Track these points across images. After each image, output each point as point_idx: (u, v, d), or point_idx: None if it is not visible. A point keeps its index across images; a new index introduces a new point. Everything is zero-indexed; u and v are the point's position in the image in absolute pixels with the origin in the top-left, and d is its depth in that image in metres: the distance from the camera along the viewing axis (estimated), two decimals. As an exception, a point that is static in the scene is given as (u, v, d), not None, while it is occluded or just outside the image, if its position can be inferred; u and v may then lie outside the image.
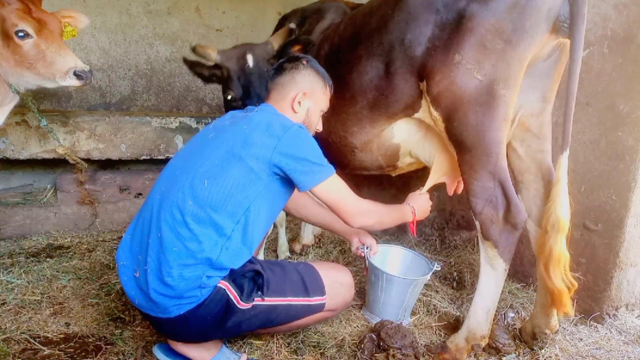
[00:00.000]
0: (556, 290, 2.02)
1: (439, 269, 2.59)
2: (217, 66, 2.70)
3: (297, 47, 2.77)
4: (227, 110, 2.82)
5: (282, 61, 2.25)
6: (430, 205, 2.44)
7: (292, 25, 2.86)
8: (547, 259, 2.03)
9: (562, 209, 1.97)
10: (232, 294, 1.90)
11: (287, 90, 2.13)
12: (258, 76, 2.63)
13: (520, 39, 1.93)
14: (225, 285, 1.90)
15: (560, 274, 2.01)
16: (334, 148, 2.64)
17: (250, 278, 1.97)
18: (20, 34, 2.39)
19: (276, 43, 2.78)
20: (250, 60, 2.65)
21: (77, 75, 2.49)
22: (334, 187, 2.01)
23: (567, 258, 2.01)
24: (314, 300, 2.07)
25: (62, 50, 2.49)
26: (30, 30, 2.41)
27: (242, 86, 2.65)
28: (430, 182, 2.46)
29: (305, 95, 2.13)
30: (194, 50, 2.68)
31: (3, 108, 2.60)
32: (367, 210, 2.11)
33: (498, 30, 1.94)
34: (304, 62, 2.17)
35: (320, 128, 2.31)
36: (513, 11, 1.91)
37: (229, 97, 2.69)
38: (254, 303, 1.94)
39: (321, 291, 2.09)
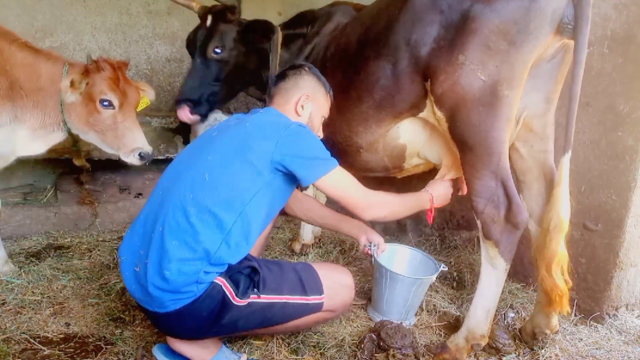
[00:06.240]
0: (558, 291, 2.03)
1: (446, 269, 2.60)
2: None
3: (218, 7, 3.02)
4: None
5: (284, 69, 2.33)
6: (451, 192, 2.42)
7: None
8: (550, 260, 2.03)
9: (564, 210, 1.98)
10: (228, 289, 1.91)
11: (291, 94, 2.19)
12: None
13: (524, 41, 1.93)
14: (221, 281, 1.91)
15: (561, 274, 2.03)
16: (340, 148, 2.64)
17: (247, 275, 1.98)
18: (105, 102, 2.43)
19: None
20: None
21: (141, 156, 2.53)
22: (338, 180, 2.02)
23: (567, 258, 2.03)
24: (312, 300, 2.06)
25: (134, 127, 2.55)
26: (115, 102, 2.46)
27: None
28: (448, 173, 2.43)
29: (308, 98, 2.19)
30: None
31: (46, 137, 2.58)
32: (377, 202, 2.11)
33: (502, 31, 1.93)
34: (306, 69, 2.26)
35: (320, 135, 2.33)
36: (517, 12, 1.91)
37: None
38: (250, 300, 1.94)
39: (319, 290, 2.08)
